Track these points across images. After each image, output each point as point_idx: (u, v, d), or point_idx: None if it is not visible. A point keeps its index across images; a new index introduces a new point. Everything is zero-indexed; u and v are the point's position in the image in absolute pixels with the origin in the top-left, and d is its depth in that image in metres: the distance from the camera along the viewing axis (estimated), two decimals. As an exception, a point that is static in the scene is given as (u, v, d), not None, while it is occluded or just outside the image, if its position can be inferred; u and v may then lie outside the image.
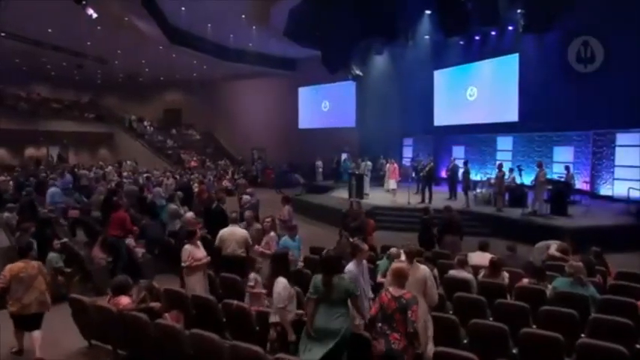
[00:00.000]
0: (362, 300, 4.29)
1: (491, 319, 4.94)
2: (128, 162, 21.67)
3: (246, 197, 9.21)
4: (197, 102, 29.51)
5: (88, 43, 19.82)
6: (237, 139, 28.74)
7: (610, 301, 4.97)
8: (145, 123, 28.49)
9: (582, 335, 4.32)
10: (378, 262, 6.09)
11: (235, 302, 4.87)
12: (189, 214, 7.26)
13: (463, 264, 5.97)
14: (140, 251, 8.20)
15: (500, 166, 11.90)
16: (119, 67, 24.35)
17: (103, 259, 7.53)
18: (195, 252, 5.76)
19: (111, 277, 7.21)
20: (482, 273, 5.90)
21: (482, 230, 10.57)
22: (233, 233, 6.65)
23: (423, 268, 4.41)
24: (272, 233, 6.86)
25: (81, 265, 7.26)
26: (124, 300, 4.75)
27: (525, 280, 5.63)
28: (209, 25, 18.95)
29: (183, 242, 6.48)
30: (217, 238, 6.71)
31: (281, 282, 4.22)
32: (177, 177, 17.03)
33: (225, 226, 6.91)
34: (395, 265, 3.80)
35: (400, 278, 3.67)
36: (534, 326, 4.57)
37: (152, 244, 8.50)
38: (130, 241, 8.15)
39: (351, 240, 7.98)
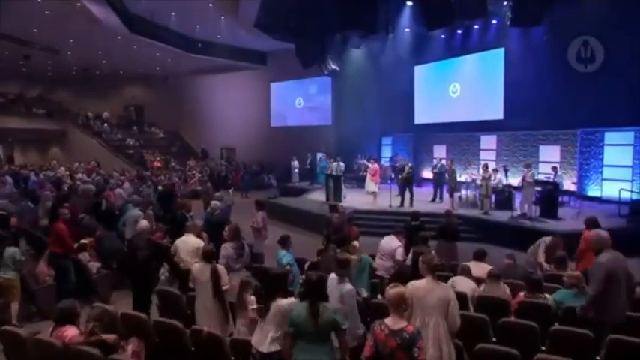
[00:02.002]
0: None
1: (494, 339, 4.66)
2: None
3: (215, 203, 8.61)
4: (161, 98, 28.68)
5: (35, 31, 18.63)
6: (205, 137, 28.14)
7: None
8: (105, 115, 27.36)
9: (597, 358, 4.05)
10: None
11: (206, 328, 4.36)
12: (144, 223, 6.65)
13: (467, 272, 5.73)
14: (95, 266, 7.54)
15: (486, 167, 11.76)
16: (72, 59, 23.12)
17: (50, 276, 6.82)
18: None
19: (58, 300, 6.61)
20: (482, 287, 5.59)
21: (471, 235, 10.43)
22: (185, 242, 6.14)
23: (446, 286, 4.00)
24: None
25: (23, 284, 6.53)
26: (71, 331, 4.11)
27: (521, 294, 5.35)
28: (173, 14, 18.26)
29: (141, 254, 6.01)
30: (172, 247, 6.25)
31: (285, 303, 3.73)
32: (136, 179, 16.15)
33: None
34: (393, 289, 3.23)
35: (400, 306, 3.14)
36: (543, 347, 4.28)
37: (109, 257, 7.83)
38: (84, 254, 7.49)
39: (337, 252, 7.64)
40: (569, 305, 4.74)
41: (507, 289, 5.54)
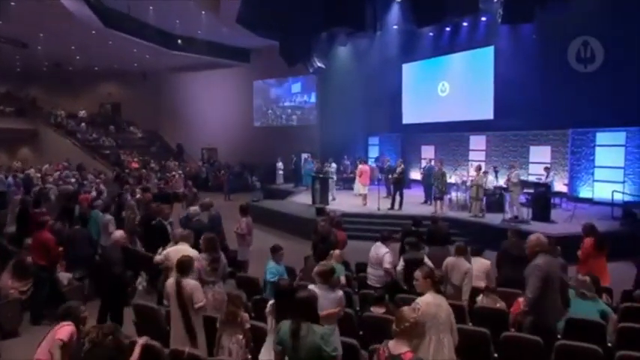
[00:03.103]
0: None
1: (495, 355, 4.47)
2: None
3: (194, 209, 8.26)
4: (139, 96, 28.11)
5: (0, 23, 17.91)
6: (185, 137, 27.69)
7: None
8: (81, 113, 26.60)
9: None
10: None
11: (187, 349, 4.05)
12: (119, 233, 6.29)
13: (463, 252, 5.67)
14: (66, 277, 7.13)
15: (479, 168, 11.67)
16: (43, 54, 22.31)
17: (15, 289, 6.40)
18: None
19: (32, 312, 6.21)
20: (480, 297, 5.41)
21: (462, 239, 10.17)
22: (178, 252, 5.75)
23: (444, 298, 3.85)
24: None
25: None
26: (65, 329, 3.74)
27: (521, 300, 5.19)
28: (151, 7, 17.76)
29: (116, 269, 5.68)
30: (161, 257, 5.86)
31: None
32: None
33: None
34: (403, 309, 3.01)
35: (408, 331, 2.88)
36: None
37: (78, 265, 7.42)
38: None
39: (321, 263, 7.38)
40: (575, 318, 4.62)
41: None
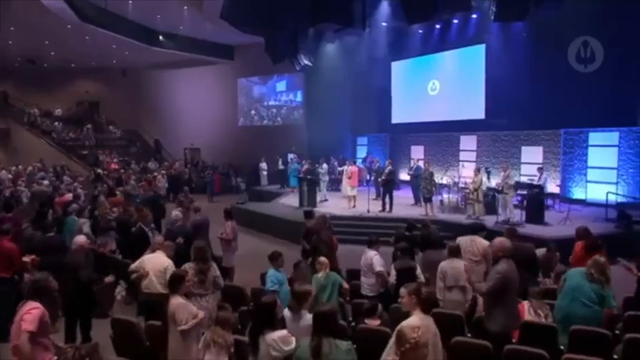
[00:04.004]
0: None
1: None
2: None
3: (175, 213, 7.96)
4: (118, 94, 27.58)
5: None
6: (167, 137, 27.26)
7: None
8: (56, 111, 25.92)
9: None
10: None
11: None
12: (82, 237, 5.97)
13: (456, 253, 5.56)
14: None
15: (477, 170, 11.64)
16: (15, 49, 21.63)
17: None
18: (189, 305, 4.36)
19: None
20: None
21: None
22: (153, 259, 5.51)
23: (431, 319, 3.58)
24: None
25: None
26: (35, 312, 3.52)
27: (525, 303, 5.04)
28: (130, 2, 17.32)
29: (83, 274, 5.41)
30: (135, 265, 5.60)
31: (276, 337, 3.29)
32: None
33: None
34: (404, 328, 2.83)
35: (409, 355, 2.71)
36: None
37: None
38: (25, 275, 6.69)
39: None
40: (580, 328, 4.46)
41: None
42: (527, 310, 4.95)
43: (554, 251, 6.62)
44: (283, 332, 3.37)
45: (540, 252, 6.71)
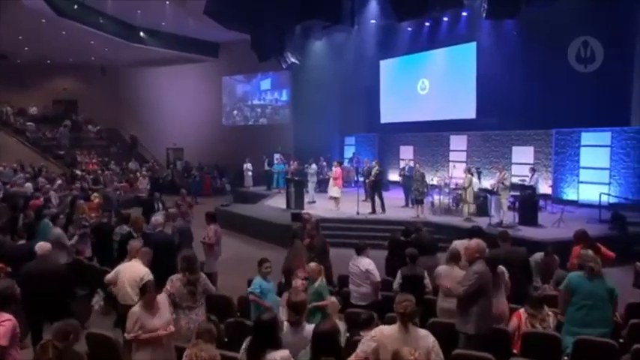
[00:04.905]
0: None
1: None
2: None
3: (156, 218, 7.64)
4: (97, 92, 27.02)
5: None
6: (149, 136, 26.79)
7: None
8: (31, 110, 25.25)
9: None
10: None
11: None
12: (46, 246, 5.66)
13: (457, 259, 5.37)
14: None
15: (468, 170, 11.53)
16: (-16, 44, 20.99)
17: None
18: (147, 318, 4.20)
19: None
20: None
21: (447, 245, 9.96)
22: (129, 269, 5.22)
23: (426, 335, 3.40)
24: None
25: None
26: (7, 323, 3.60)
27: (522, 312, 4.89)
28: (109, -5, 16.96)
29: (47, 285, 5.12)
30: (111, 275, 5.33)
31: (278, 357, 3.08)
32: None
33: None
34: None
35: None
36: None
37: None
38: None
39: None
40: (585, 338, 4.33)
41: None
42: (525, 322, 4.82)
43: (553, 255, 6.48)
44: (285, 353, 3.16)
45: (538, 256, 6.58)
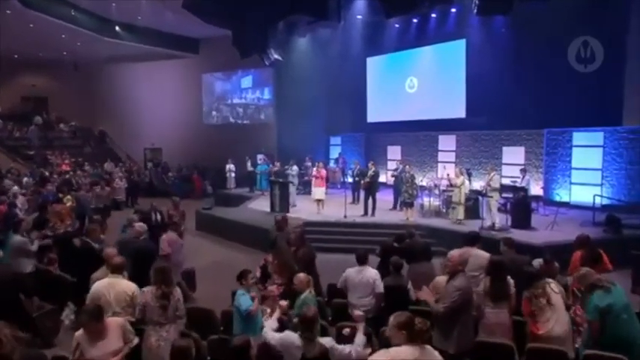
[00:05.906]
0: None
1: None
2: None
3: (139, 224, 7.21)
4: (70, 89, 26.34)
5: None
6: (126, 136, 26.25)
7: None
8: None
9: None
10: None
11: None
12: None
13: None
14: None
15: (460, 171, 11.37)
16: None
17: None
18: (87, 346, 3.85)
19: None
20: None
21: (438, 249, 9.75)
22: (112, 288, 4.79)
23: (437, 354, 3.21)
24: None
25: None
26: None
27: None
28: (82, -13, 16.39)
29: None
30: (89, 296, 4.85)
31: None
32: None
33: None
34: None
35: None
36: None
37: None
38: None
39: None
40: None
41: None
42: (530, 305, 4.59)
43: (553, 262, 6.30)
44: None
45: (537, 263, 6.38)
